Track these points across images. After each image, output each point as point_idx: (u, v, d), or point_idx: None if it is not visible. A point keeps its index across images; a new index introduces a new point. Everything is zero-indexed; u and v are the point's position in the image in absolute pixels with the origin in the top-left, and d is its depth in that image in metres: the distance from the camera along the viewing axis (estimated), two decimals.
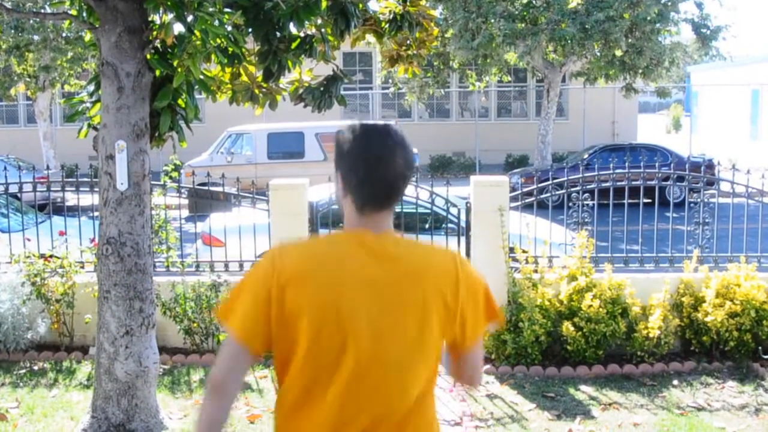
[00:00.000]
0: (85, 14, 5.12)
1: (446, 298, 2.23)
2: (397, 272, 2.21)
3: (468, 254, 7.03)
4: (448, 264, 2.28)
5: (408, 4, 5.83)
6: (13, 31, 16.92)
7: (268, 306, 2.16)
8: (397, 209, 8.22)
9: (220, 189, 7.61)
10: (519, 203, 7.35)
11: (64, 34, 17.38)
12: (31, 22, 16.99)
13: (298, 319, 2.15)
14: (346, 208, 2.26)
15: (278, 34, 5.06)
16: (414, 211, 7.32)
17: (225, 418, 2.25)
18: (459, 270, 2.27)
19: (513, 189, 7.60)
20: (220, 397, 2.22)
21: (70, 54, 17.91)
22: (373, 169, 2.20)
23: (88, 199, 8.01)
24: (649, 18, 17.00)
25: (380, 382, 2.18)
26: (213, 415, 2.23)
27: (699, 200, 7.33)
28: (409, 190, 8.86)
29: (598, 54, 18.09)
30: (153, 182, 6.23)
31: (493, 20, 17.40)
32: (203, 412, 2.24)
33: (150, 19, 4.94)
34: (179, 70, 4.83)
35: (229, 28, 5.00)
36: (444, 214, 7.74)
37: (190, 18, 4.64)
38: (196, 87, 5.07)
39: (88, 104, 5.39)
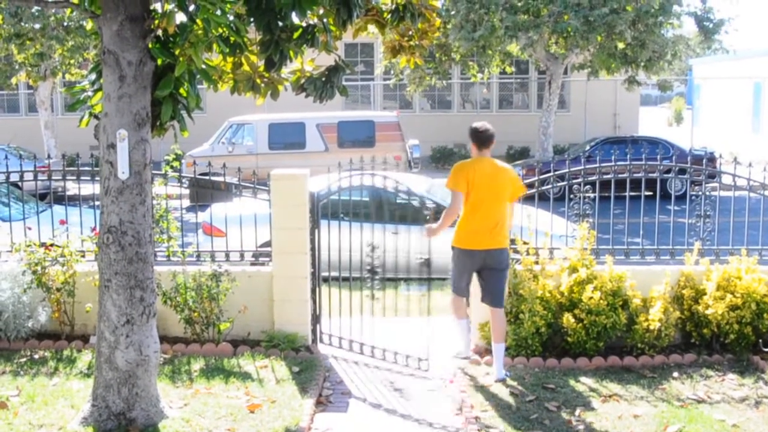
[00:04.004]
0: (86, 2, 5.10)
1: (510, 179, 6.40)
2: (495, 169, 6.38)
3: None
4: (511, 170, 6.52)
5: None
6: (13, 19, 16.81)
7: (465, 180, 6.30)
8: (398, 201, 8.20)
9: (221, 179, 7.60)
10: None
11: (65, 23, 17.28)
12: (33, 10, 16.89)
13: (467, 186, 6.29)
14: (474, 151, 6.47)
15: (280, 23, 5.04)
16: (412, 201, 7.29)
17: (452, 221, 6.46)
18: (512, 173, 6.50)
19: None
20: (453, 211, 6.37)
21: (70, 43, 17.82)
22: (480, 135, 6.43)
23: (89, 188, 7.99)
24: (652, 11, 16.93)
25: (492, 209, 6.28)
26: (449, 220, 6.42)
27: (700, 193, 7.32)
28: (410, 184, 8.87)
29: (602, 46, 18.02)
30: (154, 172, 6.22)
31: (495, 11, 17.35)
32: (444, 217, 6.41)
33: (152, 7, 4.93)
34: (181, 59, 4.83)
35: (231, 18, 4.99)
36: (445, 205, 7.71)
37: (192, 7, 4.63)
38: (198, 76, 5.06)
39: (90, 93, 5.38)
